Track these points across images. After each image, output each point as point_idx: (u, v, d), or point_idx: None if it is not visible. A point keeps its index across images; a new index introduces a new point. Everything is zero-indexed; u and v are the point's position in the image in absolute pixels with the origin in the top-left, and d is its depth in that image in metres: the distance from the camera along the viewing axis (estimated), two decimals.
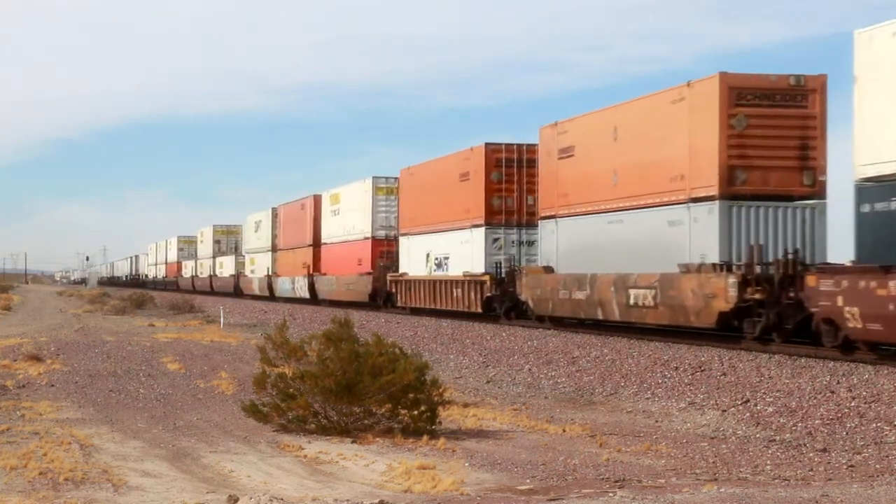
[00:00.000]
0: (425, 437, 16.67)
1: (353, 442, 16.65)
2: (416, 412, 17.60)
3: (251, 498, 10.83)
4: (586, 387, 23.49)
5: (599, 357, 26.08)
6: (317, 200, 63.44)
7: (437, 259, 43.38)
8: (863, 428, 16.69)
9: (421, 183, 46.11)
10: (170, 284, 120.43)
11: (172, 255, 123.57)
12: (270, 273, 73.32)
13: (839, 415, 17.49)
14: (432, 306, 43.12)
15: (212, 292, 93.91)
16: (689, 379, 22.00)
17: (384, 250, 51.58)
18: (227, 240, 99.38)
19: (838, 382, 19.24)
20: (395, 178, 51.22)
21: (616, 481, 13.28)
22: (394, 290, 48.19)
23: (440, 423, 17.80)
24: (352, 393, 17.43)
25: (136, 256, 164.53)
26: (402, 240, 48.19)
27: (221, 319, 49.57)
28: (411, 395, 17.66)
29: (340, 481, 13.51)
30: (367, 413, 17.77)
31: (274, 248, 73.73)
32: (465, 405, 20.94)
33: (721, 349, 24.43)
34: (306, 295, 63.12)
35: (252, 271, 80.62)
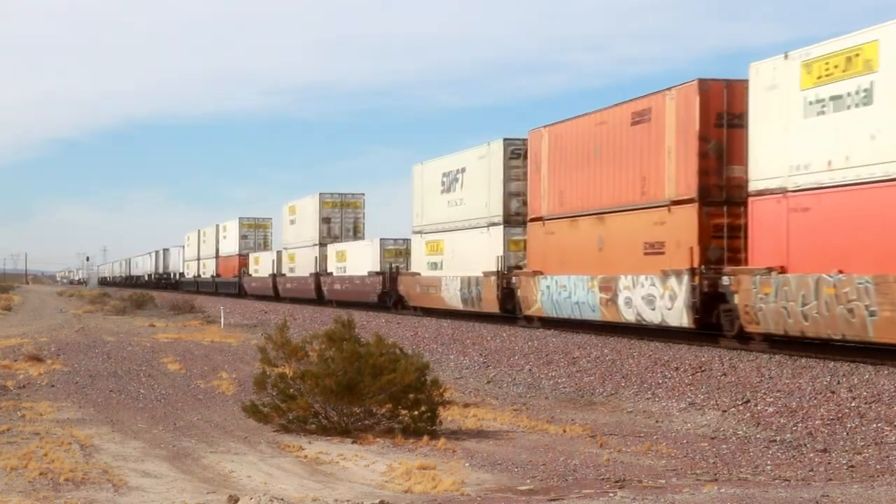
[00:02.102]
0: (426, 438, 16.68)
1: (353, 442, 16.66)
2: (416, 412, 17.61)
3: (251, 498, 10.84)
4: (587, 387, 23.50)
5: (600, 357, 26.08)
6: (698, 95, 25.11)
7: None
8: (863, 428, 16.69)
9: None
10: (225, 286, 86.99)
11: (230, 246, 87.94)
12: (507, 268, 36.07)
13: (839, 415, 17.49)
14: None
15: (318, 300, 58.03)
16: (689, 379, 22.01)
17: None
18: (342, 216, 62.32)
19: (839, 383, 19.25)
20: None
21: (616, 481, 13.28)
22: None
23: (440, 423, 17.81)
24: (352, 393, 17.44)
25: (166, 250, 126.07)
26: None
27: (222, 320, 49.56)
28: (412, 396, 17.67)
29: (341, 482, 13.52)
30: (368, 413, 17.79)
31: (510, 221, 36.11)
32: (466, 405, 20.96)
33: (721, 349, 24.43)
34: (681, 321, 26.01)
35: (435, 265, 42.68)
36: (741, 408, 19.13)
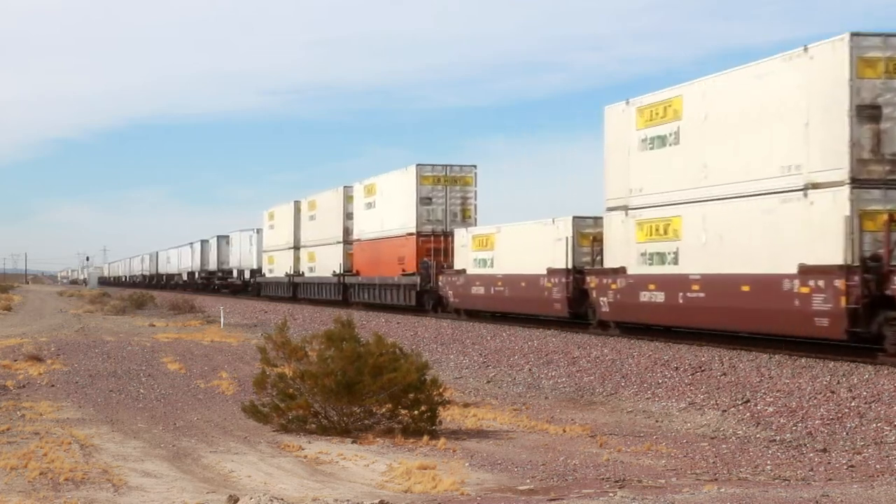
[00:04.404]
0: (426, 438, 16.68)
1: (353, 442, 16.66)
2: (416, 412, 17.62)
3: (251, 498, 10.83)
4: (586, 387, 23.51)
5: (599, 357, 26.08)
6: None
7: None
8: (863, 428, 16.69)
9: None
10: (378, 291, 50.32)
11: (388, 218, 49.53)
12: None
13: (839, 415, 17.49)
14: None
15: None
16: (689, 379, 22.02)
17: None
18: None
19: (838, 382, 19.25)
20: None
21: (616, 481, 13.28)
22: None
23: (440, 423, 17.81)
24: (352, 393, 17.44)
25: (223, 237, 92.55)
26: None
27: (222, 319, 49.54)
28: (412, 395, 17.67)
29: (341, 481, 13.51)
30: (368, 413, 17.79)
31: None
32: (466, 405, 20.96)
33: (721, 349, 24.43)
34: None
35: None
36: (741, 408, 19.13)
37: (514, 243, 36.93)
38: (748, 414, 18.68)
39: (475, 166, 46.88)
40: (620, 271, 28.90)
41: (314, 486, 13.11)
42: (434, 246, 44.89)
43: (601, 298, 29.97)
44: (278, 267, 70.11)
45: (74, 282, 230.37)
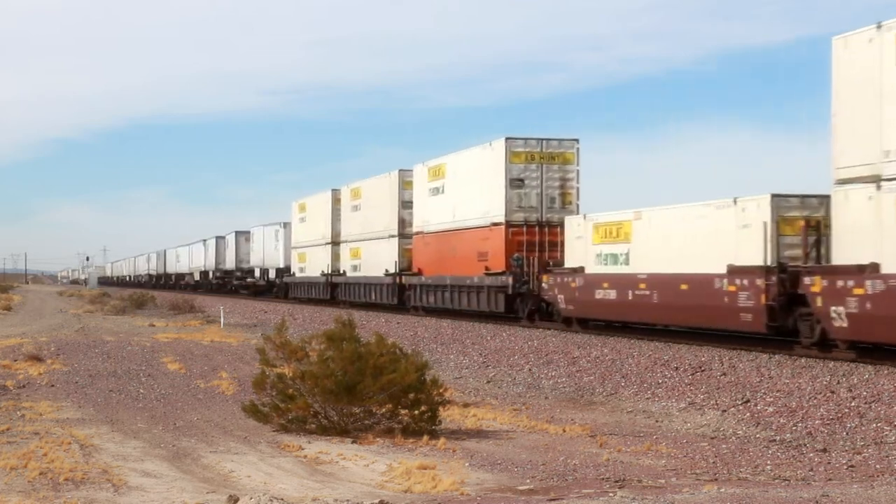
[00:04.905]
0: (425, 438, 16.68)
1: (353, 442, 16.66)
2: (416, 412, 17.62)
3: (251, 498, 10.83)
4: (586, 387, 23.51)
5: (599, 357, 26.08)
6: None
7: None
8: (863, 428, 16.70)
9: None
10: (447, 292, 41.22)
11: (461, 205, 40.43)
12: None
13: (839, 415, 17.49)
14: None
15: None
16: (689, 379, 22.02)
17: None
18: None
19: (838, 382, 19.25)
20: None
21: (616, 481, 13.28)
22: None
23: (440, 423, 17.82)
24: (352, 393, 17.44)
25: (242, 233, 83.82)
26: None
27: (222, 319, 49.55)
28: (412, 396, 17.68)
29: (341, 481, 13.51)
30: (368, 413, 17.79)
31: None
32: (466, 405, 20.97)
33: (721, 349, 24.43)
34: None
35: None
36: (741, 408, 19.13)
37: (665, 233, 27.99)
38: (748, 414, 18.69)
39: (577, 140, 37.04)
40: (867, 270, 20.50)
41: (314, 486, 13.11)
42: (527, 238, 36.07)
43: (833, 309, 21.27)
44: (312, 265, 60.49)
45: (75, 282, 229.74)
